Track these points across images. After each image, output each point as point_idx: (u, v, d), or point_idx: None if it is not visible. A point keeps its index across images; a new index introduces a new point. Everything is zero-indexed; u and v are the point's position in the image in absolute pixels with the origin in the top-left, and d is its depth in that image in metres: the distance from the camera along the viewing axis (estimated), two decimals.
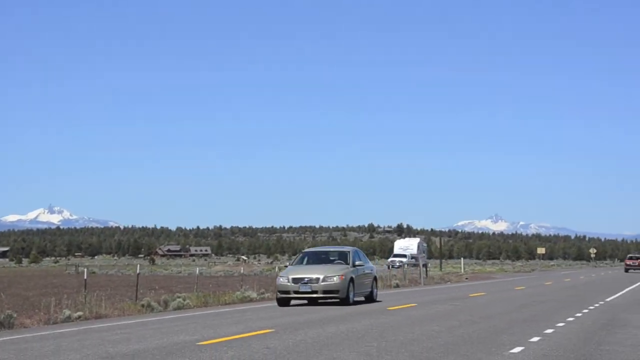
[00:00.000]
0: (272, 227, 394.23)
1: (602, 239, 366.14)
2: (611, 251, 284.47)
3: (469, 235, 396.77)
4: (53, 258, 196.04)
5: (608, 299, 28.91)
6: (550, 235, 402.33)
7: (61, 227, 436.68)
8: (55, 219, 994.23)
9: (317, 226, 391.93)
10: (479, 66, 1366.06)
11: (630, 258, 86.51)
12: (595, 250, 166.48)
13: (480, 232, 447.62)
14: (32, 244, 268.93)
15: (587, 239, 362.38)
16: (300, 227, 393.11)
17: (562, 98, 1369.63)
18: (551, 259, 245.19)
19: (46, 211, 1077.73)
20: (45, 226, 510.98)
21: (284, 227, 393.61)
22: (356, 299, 24.23)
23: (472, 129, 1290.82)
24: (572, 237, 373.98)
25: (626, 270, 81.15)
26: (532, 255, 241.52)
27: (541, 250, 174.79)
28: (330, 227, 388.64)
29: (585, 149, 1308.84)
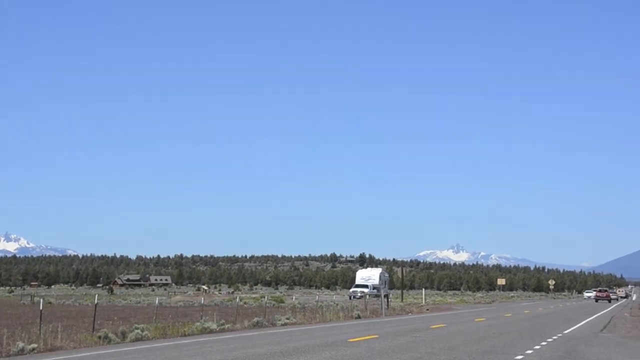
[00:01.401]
0: (234, 256, 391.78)
1: (561, 270, 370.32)
2: (569, 282, 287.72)
3: (431, 265, 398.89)
4: (8, 288, 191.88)
5: (566, 331, 29.22)
6: (510, 266, 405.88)
7: (17, 255, 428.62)
8: (11, 247, 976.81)
9: (280, 255, 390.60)
10: (439, 91, 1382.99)
11: (600, 290, 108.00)
12: (554, 282, 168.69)
13: (441, 262, 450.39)
14: None
15: (546, 270, 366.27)
16: (262, 256, 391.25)
17: (520, 127, 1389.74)
18: (511, 289, 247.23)
19: (2, 239, 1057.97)
20: (1, 254, 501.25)
21: (245, 257, 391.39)
22: None
23: (435, 160, 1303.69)
24: (532, 268, 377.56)
25: (596, 300, 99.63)
26: (492, 286, 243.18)
27: (501, 282, 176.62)
28: (293, 256, 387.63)
29: (545, 181, 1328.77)
